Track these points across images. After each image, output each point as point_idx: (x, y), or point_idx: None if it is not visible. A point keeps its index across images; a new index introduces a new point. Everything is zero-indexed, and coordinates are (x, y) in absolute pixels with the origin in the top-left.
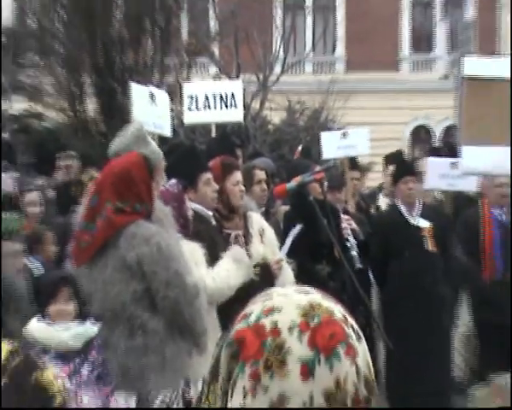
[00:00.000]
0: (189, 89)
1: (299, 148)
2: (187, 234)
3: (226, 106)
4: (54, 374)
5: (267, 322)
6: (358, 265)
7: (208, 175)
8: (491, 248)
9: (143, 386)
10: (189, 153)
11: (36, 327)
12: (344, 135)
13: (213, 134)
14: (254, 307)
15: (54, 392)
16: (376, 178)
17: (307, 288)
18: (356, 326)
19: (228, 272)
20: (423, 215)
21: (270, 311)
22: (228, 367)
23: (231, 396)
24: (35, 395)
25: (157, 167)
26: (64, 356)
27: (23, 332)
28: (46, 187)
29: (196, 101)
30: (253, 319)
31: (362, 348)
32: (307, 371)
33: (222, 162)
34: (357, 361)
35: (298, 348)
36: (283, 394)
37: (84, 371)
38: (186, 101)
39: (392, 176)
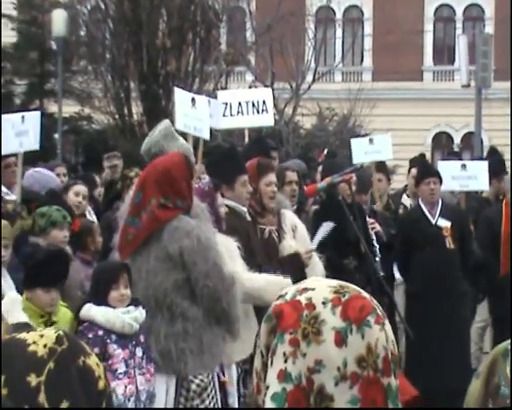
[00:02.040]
0: (223, 96)
1: (325, 151)
2: (220, 229)
3: (258, 112)
4: (97, 359)
5: (302, 298)
6: (381, 272)
7: (245, 177)
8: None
9: (182, 369)
10: (229, 154)
11: (99, 311)
12: (371, 141)
13: (246, 138)
14: (289, 289)
15: (98, 375)
16: (401, 180)
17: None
18: (380, 308)
19: (267, 283)
20: (443, 215)
21: (305, 290)
22: (266, 341)
23: (271, 364)
24: (81, 379)
25: (191, 162)
26: (124, 339)
27: (80, 316)
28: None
29: (230, 107)
30: (289, 296)
31: (387, 323)
32: (341, 339)
33: (258, 163)
34: (386, 328)
35: (331, 320)
36: (319, 359)
37: (139, 353)
38: (221, 107)
39: (414, 178)
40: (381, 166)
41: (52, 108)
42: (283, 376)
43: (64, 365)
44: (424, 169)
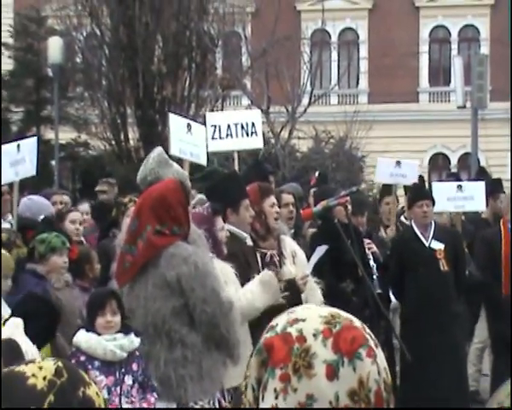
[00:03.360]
0: (211, 119)
1: (316, 174)
2: (219, 254)
3: (247, 134)
4: (97, 389)
5: (293, 330)
6: (378, 290)
7: (247, 201)
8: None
9: (183, 395)
10: (232, 179)
11: (84, 337)
12: (398, 164)
13: (236, 161)
14: (280, 319)
15: (99, 405)
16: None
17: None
18: (373, 335)
19: (253, 294)
20: (436, 237)
21: (295, 321)
22: (258, 374)
23: (263, 399)
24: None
25: (187, 188)
26: (108, 366)
27: (72, 343)
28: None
29: (219, 130)
30: (279, 328)
31: (379, 352)
32: (332, 372)
33: (259, 186)
34: (378, 361)
35: (323, 352)
36: (311, 394)
37: (128, 381)
38: (209, 130)
39: (407, 200)
40: (389, 190)
41: (49, 134)
42: None
43: (64, 397)
44: (416, 192)
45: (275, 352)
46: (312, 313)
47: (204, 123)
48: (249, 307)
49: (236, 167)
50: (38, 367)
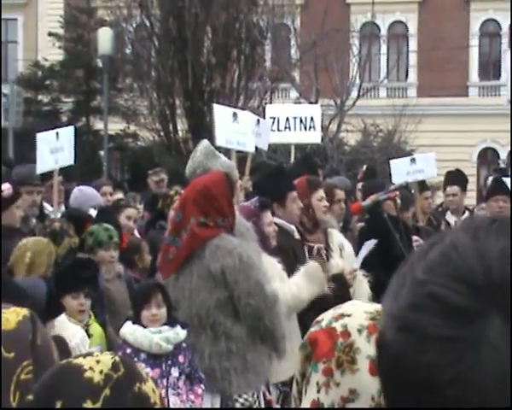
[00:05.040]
0: (271, 111)
1: (364, 168)
2: (267, 248)
3: (306, 128)
4: (153, 385)
5: (338, 325)
6: None
7: (295, 194)
8: None
9: (227, 388)
10: (279, 172)
11: (130, 330)
12: (412, 161)
13: (293, 154)
14: (326, 314)
15: (154, 402)
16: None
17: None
18: None
19: (298, 287)
20: None
21: (341, 316)
22: (302, 368)
23: (305, 392)
24: (137, 406)
25: (232, 180)
26: (155, 359)
27: (119, 334)
28: (137, 201)
29: (278, 122)
30: (324, 323)
31: None
32: (375, 368)
33: (308, 180)
34: None
35: (366, 348)
36: (354, 389)
37: (175, 373)
38: (268, 121)
39: (485, 193)
40: (425, 185)
41: (98, 125)
42: (316, 406)
43: (120, 392)
44: (496, 185)
45: (319, 346)
46: (358, 309)
47: (252, 114)
48: (295, 300)
49: (292, 160)
50: (96, 361)
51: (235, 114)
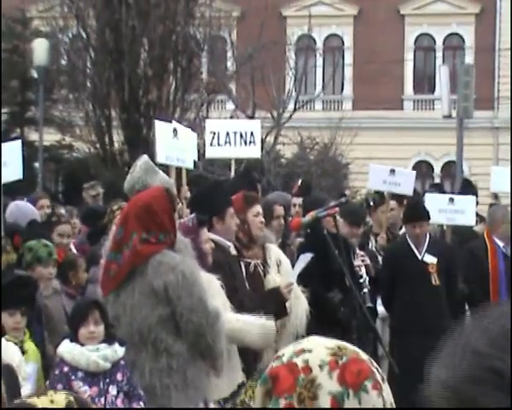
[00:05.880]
0: (211, 125)
1: (299, 182)
2: (204, 265)
3: (246, 143)
4: None
5: (299, 361)
6: (369, 303)
7: (232, 209)
8: (497, 279)
9: (167, 404)
10: (218, 187)
11: (67, 348)
12: (392, 172)
13: (233, 168)
14: (286, 350)
15: None
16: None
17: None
18: (380, 369)
19: (250, 329)
20: (430, 250)
21: (302, 351)
22: (262, 403)
23: None
24: None
25: (173, 195)
26: (92, 377)
27: (56, 353)
28: (74, 215)
29: (218, 137)
30: (285, 358)
31: (386, 387)
32: (337, 404)
33: (244, 195)
34: (384, 395)
35: (328, 384)
36: None
37: (113, 391)
38: (208, 136)
39: (403, 216)
40: (384, 199)
41: (33, 136)
42: None
43: None
44: (411, 212)
45: (280, 382)
46: (319, 345)
47: (189, 128)
48: (239, 336)
49: (233, 175)
50: (50, 401)
51: (175, 130)
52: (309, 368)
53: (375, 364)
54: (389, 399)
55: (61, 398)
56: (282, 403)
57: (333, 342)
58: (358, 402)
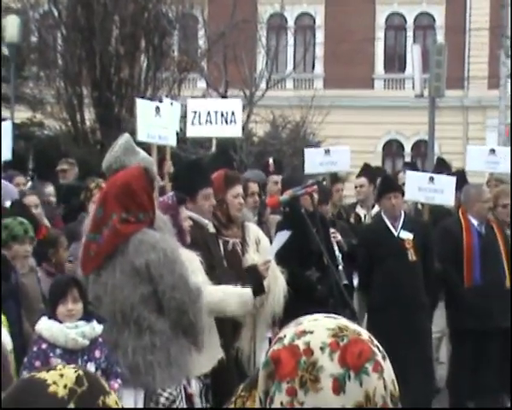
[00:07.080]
0: (192, 105)
1: (270, 161)
2: (183, 243)
3: (226, 122)
4: (116, 398)
5: (300, 343)
6: (344, 281)
7: (209, 190)
8: (471, 257)
9: (151, 382)
10: (193, 167)
11: (45, 325)
12: (327, 152)
13: (214, 148)
14: (287, 331)
15: None
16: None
17: (334, 315)
18: (381, 347)
19: (228, 299)
20: (406, 227)
21: (303, 333)
22: (265, 386)
23: None
24: None
25: (152, 174)
26: (70, 354)
27: (34, 330)
28: (50, 193)
29: (199, 116)
30: (287, 340)
31: (387, 365)
32: (338, 386)
33: (225, 175)
34: (384, 376)
35: (329, 366)
36: (317, 408)
37: (91, 368)
38: (189, 115)
39: (376, 191)
40: (337, 178)
41: (4, 113)
42: None
43: (84, 406)
44: (385, 184)
45: (282, 365)
46: (320, 326)
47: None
48: (220, 306)
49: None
50: (59, 375)
51: (157, 108)
52: (310, 350)
53: (375, 342)
54: (390, 378)
55: (70, 372)
56: (285, 387)
57: (334, 322)
58: (360, 384)
